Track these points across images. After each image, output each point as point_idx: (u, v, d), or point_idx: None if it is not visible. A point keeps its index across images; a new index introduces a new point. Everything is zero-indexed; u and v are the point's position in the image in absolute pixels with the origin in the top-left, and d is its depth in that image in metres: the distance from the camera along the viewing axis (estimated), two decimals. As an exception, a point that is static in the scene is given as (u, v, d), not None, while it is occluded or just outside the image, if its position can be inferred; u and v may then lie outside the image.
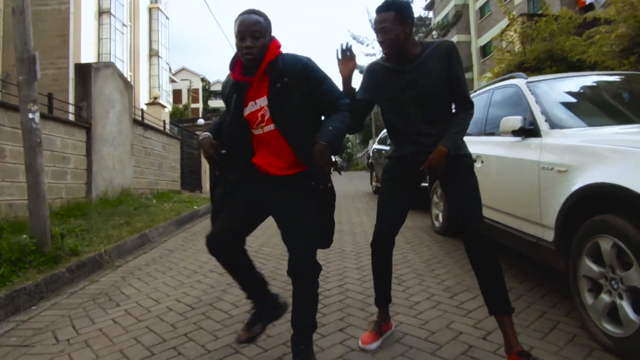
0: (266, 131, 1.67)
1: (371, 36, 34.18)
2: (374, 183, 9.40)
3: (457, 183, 1.90)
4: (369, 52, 35.44)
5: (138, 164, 7.94)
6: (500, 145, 2.91)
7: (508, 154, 2.74)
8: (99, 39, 16.60)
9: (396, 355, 1.84)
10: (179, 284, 3.05)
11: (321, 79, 1.69)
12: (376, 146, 9.28)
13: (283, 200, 1.70)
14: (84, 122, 6.14)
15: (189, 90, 36.08)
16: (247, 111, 1.69)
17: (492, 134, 3.18)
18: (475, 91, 3.89)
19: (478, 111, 3.41)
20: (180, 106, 31.26)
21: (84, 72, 6.23)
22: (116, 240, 4.11)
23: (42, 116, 5.29)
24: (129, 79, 18.74)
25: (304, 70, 1.66)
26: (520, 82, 3.00)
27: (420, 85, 1.85)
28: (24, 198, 4.90)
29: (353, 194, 9.44)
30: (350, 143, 61.67)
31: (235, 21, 1.61)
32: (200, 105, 38.17)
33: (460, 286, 2.69)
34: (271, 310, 1.91)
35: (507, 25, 8.15)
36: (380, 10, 1.81)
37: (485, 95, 3.48)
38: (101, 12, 16.53)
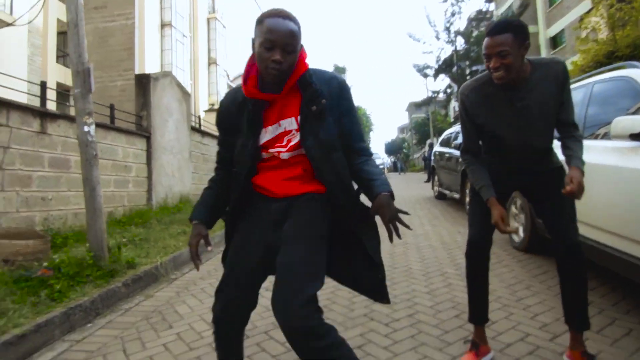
0: (286, 158, 1.34)
1: (428, 34, 33.23)
2: (436, 188, 8.83)
3: (551, 196, 1.78)
4: (426, 49, 34.43)
5: (196, 171, 8.05)
6: (610, 152, 2.37)
7: (625, 163, 2.21)
8: (162, 50, 17.44)
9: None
10: (233, 304, 2.85)
11: (352, 105, 1.39)
12: (438, 149, 8.71)
13: (296, 220, 1.32)
14: (144, 132, 6.27)
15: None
16: (266, 136, 1.34)
17: (594, 136, 2.65)
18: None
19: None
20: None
21: (144, 82, 6.37)
22: (173, 251, 4.04)
23: (104, 126, 5.45)
24: (189, 88, 19.54)
25: (340, 91, 1.35)
26: (635, 73, 2.45)
27: (531, 113, 1.70)
28: (89, 207, 5.06)
29: (414, 200, 8.93)
30: (406, 143, 60.29)
31: (262, 22, 1.24)
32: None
33: (560, 324, 2.21)
34: None
35: (589, 10, 7.21)
36: (496, 32, 1.61)
37: (582, 90, 2.92)
38: (163, 25, 17.37)
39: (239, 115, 1.36)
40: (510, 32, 1.57)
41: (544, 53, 22.85)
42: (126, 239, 4.41)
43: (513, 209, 3.98)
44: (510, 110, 1.71)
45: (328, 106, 1.31)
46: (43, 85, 4.64)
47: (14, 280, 2.81)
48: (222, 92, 22.73)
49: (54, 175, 4.51)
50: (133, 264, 3.47)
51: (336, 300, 2.75)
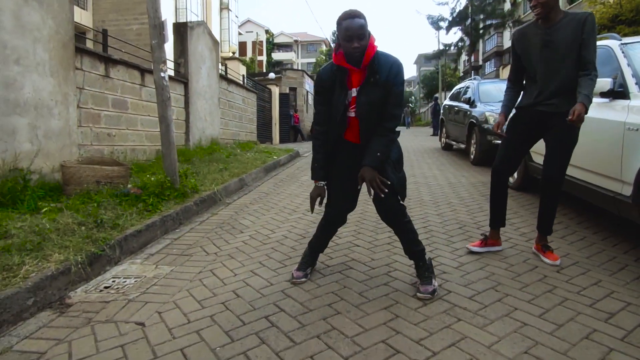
0: (353, 115, 2.05)
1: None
2: (443, 139, 9.48)
3: (556, 136, 2.36)
4: (442, 1, 33.42)
5: (223, 116, 8.71)
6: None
7: (594, 115, 2.89)
8: (176, -7, 17.33)
9: (487, 288, 2.19)
10: (284, 219, 3.66)
11: (399, 82, 1.97)
12: (448, 102, 9.26)
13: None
14: (182, 78, 6.86)
15: (254, 42, 36.61)
16: (351, 95, 2.01)
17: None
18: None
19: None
20: (247, 59, 32.00)
21: (181, 30, 6.86)
22: (222, 182, 4.83)
23: (149, 71, 6.04)
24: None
25: (397, 72, 1.96)
26: (613, 43, 3.06)
27: (554, 44, 2.30)
28: (142, 144, 5.81)
29: (422, 150, 9.63)
30: (413, 97, 59.72)
31: (341, 24, 1.88)
32: (264, 57, 38.74)
33: (535, 233, 3.01)
34: (315, 260, 2.42)
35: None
36: None
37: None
38: (178, -33, 17.14)
39: (332, 79, 2.03)
40: None
41: (562, 7, 22.39)
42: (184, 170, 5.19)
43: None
44: (540, 43, 2.33)
45: (383, 81, 1.97)
46: (104, 33, 5.20)
47: (115, 196, 3.61)
48: (234, 39, 22.66)
49: (115, 114, 5.21)
50: (197, 190, 4.27)
51: (366, 218, 3.55)
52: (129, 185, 3.95)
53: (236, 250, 2.88)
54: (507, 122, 2.61)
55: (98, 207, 3.30)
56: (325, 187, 2.16)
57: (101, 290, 2.34)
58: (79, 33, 15.30)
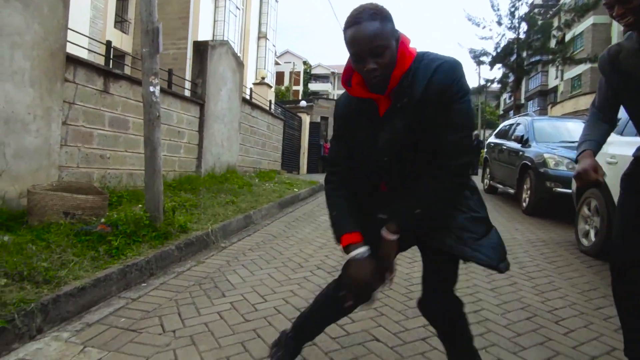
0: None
1: (488, 17, 31.10)
2: (486, 180, 8.43)
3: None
4: (485, 34, 32.74)
5: (244, 142, 8.08)
6: None
7: None
8: (215, 21, 17.49)
9: None
10: (285, 279, 2.79)
11: (460, 94, 1.13)
12: (492, 140, 8.28)
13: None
14: (198, 99, 6.29)
15: (291, 72, 36.98)
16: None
17: None
18: None
19: None
20: (283, 88, 32.18)
21: (201, 49, 6.35)
22: (222, 220, 4.04)
23: (162, 91, 5.46)
24: (238, 60, 19.60)
25: (441, 73, 1.12)
26: None
27: None
28: (143, 168, 5.16)
29: (461, 191, 8.58)
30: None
31: (345, 34, 1.13)
32: (300, 87, 39.01)
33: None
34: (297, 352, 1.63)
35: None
36: None
37: None
38: (218, -5, 17.38)
39: (351, 112, 1.30)
40: None
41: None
42: (175, 203, 4.47)
43: (585, 210, 3.66)
44: None
45: (417, 100, 1.13)
46: (109, 45, 4.69)
47: (74, 234, 2.88)
48: (270, 67, 22.69)
49: (112, 134, 4.60)
50: (185, 228, 3.49)
51: (392, 287, 2.63)
52: (102, 220, 3.22)
53: (204, 330, 2.02)
54: (621, 177, 1.64)
55: (46, 247, 2.58)
56: (369, 251, 1.24)
57: (-21, 392, 1.54)
58: (116, 56, 15.59)
